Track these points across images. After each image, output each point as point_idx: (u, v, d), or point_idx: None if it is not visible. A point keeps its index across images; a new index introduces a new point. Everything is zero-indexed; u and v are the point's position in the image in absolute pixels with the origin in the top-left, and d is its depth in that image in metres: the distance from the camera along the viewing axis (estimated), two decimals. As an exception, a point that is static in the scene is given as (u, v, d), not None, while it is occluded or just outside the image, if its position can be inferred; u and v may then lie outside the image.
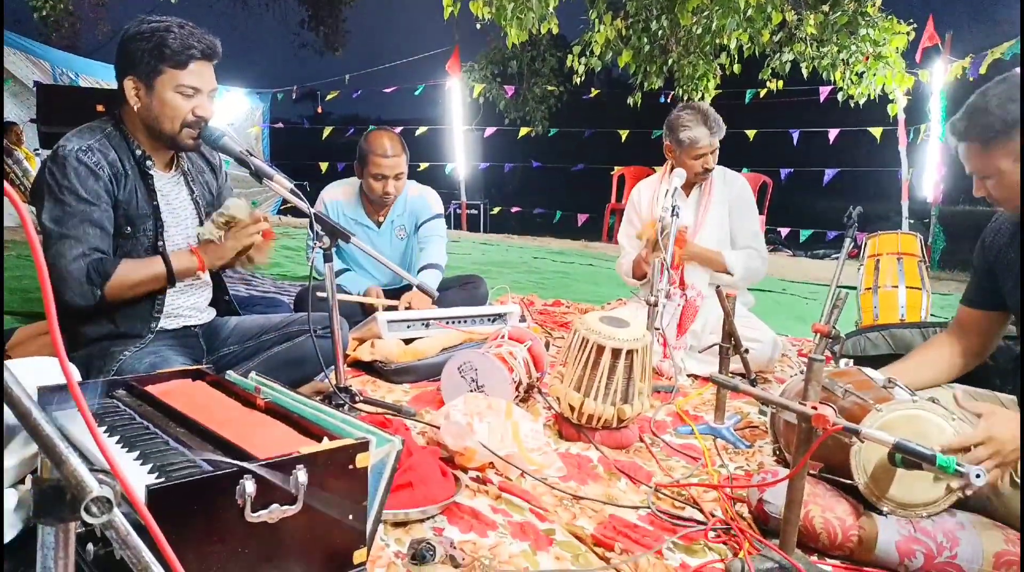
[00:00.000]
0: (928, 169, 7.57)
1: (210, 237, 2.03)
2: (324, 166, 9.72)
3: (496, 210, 10.04)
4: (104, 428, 1.28)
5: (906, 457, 1.32)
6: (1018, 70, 1.60)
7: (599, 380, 2.04)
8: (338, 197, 3.22)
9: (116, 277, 1.91)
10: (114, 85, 1.98)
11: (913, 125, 7.58)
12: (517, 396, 2.33)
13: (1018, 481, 1.48)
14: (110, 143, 1.96)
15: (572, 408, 2.09)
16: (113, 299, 1.93)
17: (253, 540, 1.04)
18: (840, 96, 7.19)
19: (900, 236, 3.09)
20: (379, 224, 3.23)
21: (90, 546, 1.02)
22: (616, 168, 8.91)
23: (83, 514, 0.66)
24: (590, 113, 11.27)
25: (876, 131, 7.57)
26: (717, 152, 2.92)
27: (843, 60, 6.89)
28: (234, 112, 10.62)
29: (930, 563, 1.44)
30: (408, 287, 3.05)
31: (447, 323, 2.88)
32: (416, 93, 10.11)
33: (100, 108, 6.11)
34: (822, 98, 7.77)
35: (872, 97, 7.02)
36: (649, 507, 1.71)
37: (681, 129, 2.86)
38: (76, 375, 1.66)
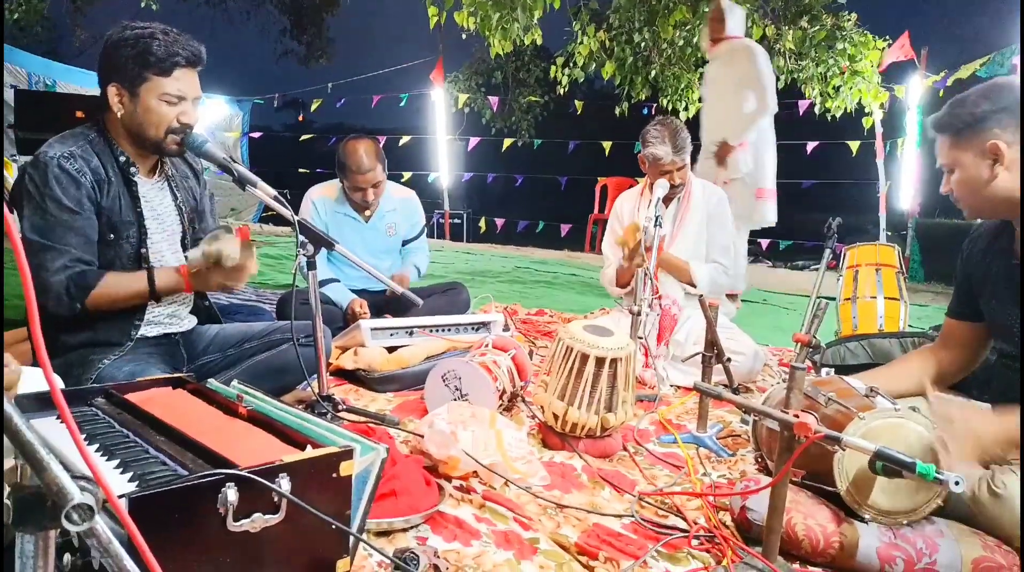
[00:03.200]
0: (905, 182, 7.73)
1: (198, 267, 1.97)
2: (305, 173, 9.67)
3: (480, 220, 10.04)
4: (83, 436, 1.26)
5: (887, 465, 1.34)
6: (1004, 77, 1.65)
7: (583, 389, 2.05)
8: (325, 194, 3.24)
9: (98, 291, 1.88)
10: (94, 91, 1.96)
11: (890, 139, 7.72)
12: (501, 405, 2.32)
13: (996, 490, 1.50)
14: (93, 149, 1.93)
15: (556, 417, 2.09)
16: (94, 311, 1.90)
17: (235, 549, 1.03)
18: (817, 109, 7.31)
19: (878, 247, 3.14)
20: (367, 218, 3.26)
21: (67, 556, 1.00)
22: (599, 179, 8.97)
23: (64, 522, 0.65)
24: (574, 124, 11.32)
25: (853, 144, 7.70)
26: (686, 169, 2.94)
27: (820, 74, 7.02)
28: (213, 119, 10.54)
29: (910, 569, 1.45)
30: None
31: (431, 331, 2.87)
32: (401, 104, 10.11)
33: (80, 114, 6.05)
34: (801, 111, 7.89)
35: (848, 111, 7.14)
36: (633, 515, 1.71)
37: (647, 144, 2.90)
38: (60, 383, 1.64)
